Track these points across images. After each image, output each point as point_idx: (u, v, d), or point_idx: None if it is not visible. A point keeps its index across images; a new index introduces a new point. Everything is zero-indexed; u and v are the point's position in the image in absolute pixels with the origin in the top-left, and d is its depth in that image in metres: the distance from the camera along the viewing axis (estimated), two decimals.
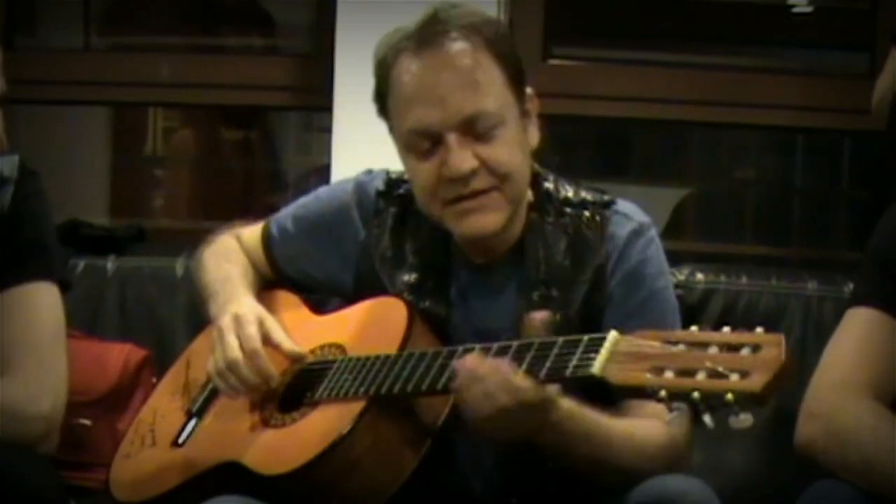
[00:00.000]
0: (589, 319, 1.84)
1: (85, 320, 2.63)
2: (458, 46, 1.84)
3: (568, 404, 1.69)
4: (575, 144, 4.34)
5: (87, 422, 2.35)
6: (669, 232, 3.72)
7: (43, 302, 1.92)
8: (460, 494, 1.88)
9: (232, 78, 3.19)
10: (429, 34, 1.85)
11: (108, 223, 3.66)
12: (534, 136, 1.92)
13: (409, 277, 1.95)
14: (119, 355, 2.45)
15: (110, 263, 2.73)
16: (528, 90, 1.91)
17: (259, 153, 4.42)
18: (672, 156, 4.34)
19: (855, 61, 3.17)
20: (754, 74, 3.28)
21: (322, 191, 2.11)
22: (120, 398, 2.36)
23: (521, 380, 1.64)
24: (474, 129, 1.83)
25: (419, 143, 1.85)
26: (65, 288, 1.97)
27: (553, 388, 1.66)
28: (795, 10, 3.64)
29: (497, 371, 1.65)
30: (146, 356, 2.43)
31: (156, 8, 3.83)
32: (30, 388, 1.85)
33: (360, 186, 2.04)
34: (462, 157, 1.82)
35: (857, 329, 1.86)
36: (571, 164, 4.22)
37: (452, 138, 1.82)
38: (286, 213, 2.12)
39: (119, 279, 2.70)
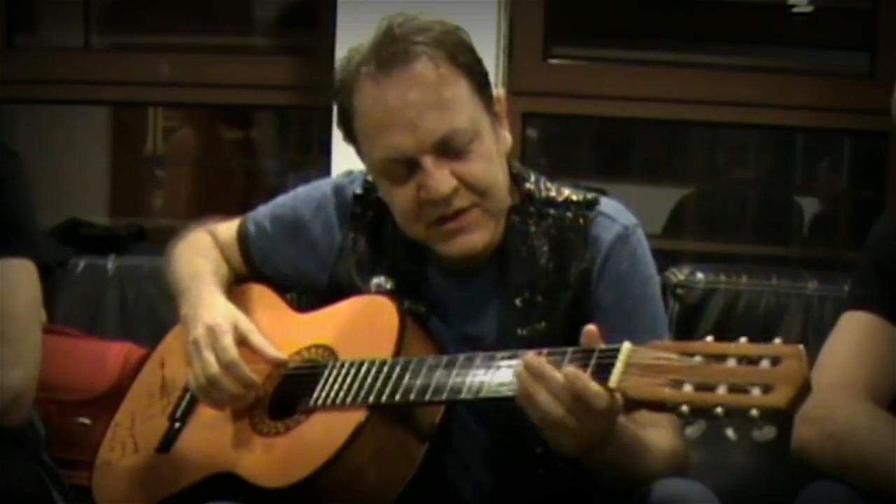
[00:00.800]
0: (574, 327, 1.75)
1: (85, 320, 2.63)
2: (421, 64, 1.77)
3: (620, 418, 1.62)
4: (575, 144, 4.34)
5: (86, 421, 2.35)
6: (669, 232, 3.72)
7: (17, 276, 1.91)
8: (450, 500, 1.86)
9: (232, 78, 3.19)
10: (388, 54, 1.78)
11: (108, 223, 3.66)
12: (506, 139, 1.88)
13: (384, 282, 1.91)
14: (118, 354, 2.46)
15: (110, 263, 2.73)
16: (496, 92, 1.87)
17: (259, 153, 4.42)
18: (672, 156, 4.34)
19: (855, 61, 3.17)
20: (754, 74, 3.28)
21: (301, 190, 2.07)
22: (119, 397, 2.35)
23: (591, 383, 1.56)
24: (450, 148, 1.78)
25: (394, 169, 1.80)
26: (45, 270, 1.96)
27: (619, 398, 1.57)
28: (796, 10, 3.64)
29: (566, 374, 1.57)
30: (146, 355, 2.43)
31: (156, 8, 3.83)
32: None
33: (338, 189, 2.01)
34: (440, 179, 1.77)
35: (852, 332, 1.86)
36: (571, 164, 4.22)
37: (428, 161, 1.77)
38: (264, 212, 2.08)
39: (119, 279, 2.71)
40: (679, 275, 2.56)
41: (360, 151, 1.87)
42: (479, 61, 1.85)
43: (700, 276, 2.57)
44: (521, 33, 3.01)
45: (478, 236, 1.82)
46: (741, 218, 4.08)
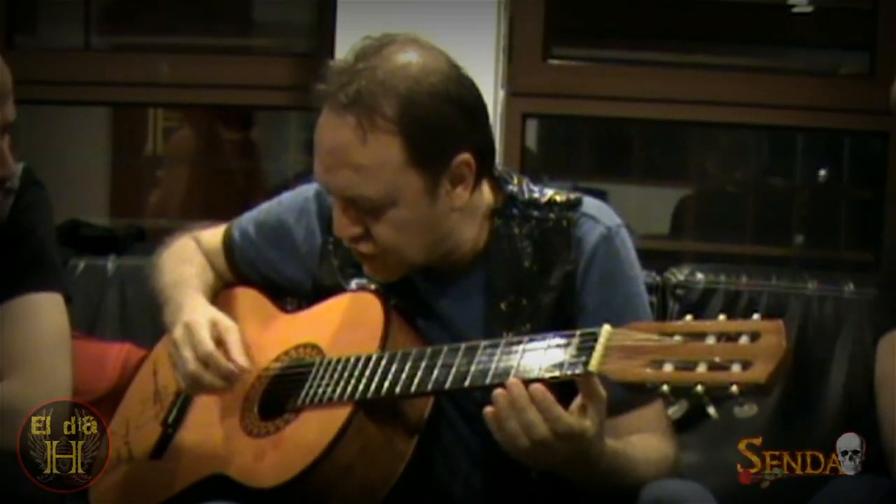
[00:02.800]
0: (559, 328, 1.75)
1: (85, 320, 2.63)
2: (354, 125, 1.72)
3: (596, 433, 1.63)
4: (575, 145, 4.34)
5: None
6: (670, 232, 3.72)
7: (44, 311, 1.88)
8: (441, 499, 1.86)
9: (232, 78, 3.19)
10: (337, 95, 1.74)
11: (108, 223, 3.66)
12: (460, 197, 1.80)
13: (367, 284, 1.92)
14: (118, 355, 2.45)
15: (110, 263, 2.73)
16: (462, 158, 1.77)
17: (259, 154, 4.41)
18: (672, 156, 4.34)
19: (855, 61, 3.17)
20: (754, 74, 3.28)
21: (285, 196, 2.07)
22: (119, 398, 2.36)
23: (561, 410, 1.59)
24: (358, 206, 1.77)
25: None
26: (66, 301, 1.94)
27: (587, 420, 1.60)
28: (796, 9, 3.64)
29: (541, 401, 1.58)
30: (144, 358, 2.42)
31: (156, 8, 3.83)
32: (26, 393, 1.81)
33: (319, 194, 2.00)
34: (342, 225, 1.78)
35: None
36: (571, 165, 4.22)
37: (338, 204, 1.79)
38: (249, 218, 2.09)
39: (119, 279, 2.70)
40: (679, 275, 2.56)
41: None
42: (438, 130, 1.75)
43: (700, 276, 2.57)
44: (521, 33, 3.01)
45: (380, 276, 1.85)
46: (741, 218, 4.08)
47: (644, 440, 1.78)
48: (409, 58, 1.77)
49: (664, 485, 1.71)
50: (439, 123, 1.75)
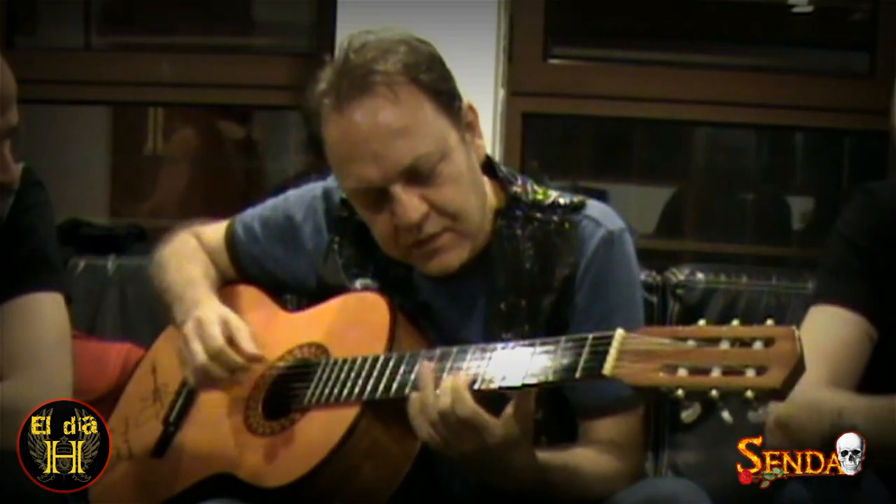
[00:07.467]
0: (556, 330, 1.77)
1: (85, 320, 2.63)
2: (380, 94, 1.76)
3: (511, 440, 1.65)
4: (575, 144, 4.34)
5: None
6: (666, 231, 3.72)
7: (45, 311, 1.87)
8: (441, 495, 1.86)
9: (232, 78, 3.19)
10: (346, 85, 1.77)
11: (108, 223, 3.66)
12: (480, 148, 1.86)
13: (370, 283, 1.92)
14: (118, 355, 2.45)
15: (110, 263, 2.73)
16: (465, 102, 1.84)
17: (259, 153, 4.42)
18: (672, 156, 4.34)
19: (855, 61, 3.17)
20: (754, 74, 3.28)
21: (291, 194, 2.07)
22: (119, 398, 2.36)
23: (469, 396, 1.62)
24: (418, 174, 1.77)
25: (366, 197, 1.81)
26: (66, 301, 1.94)
27: (502, 423, 1.63)
28: (796, 10, 3.64)
29: (451, 389, 1.62)
30: (142, 358, 2.42)
31: (156, 8, 3.83)
32: (27, 392, 1.79)
33: (327, 192, 2.01)
34: (410, 207, 1.77)
35: (814, 329, 1.83)
36: (571, 165, 4.22)
37: (397, 189, 1.77)
38: (252, 214, 2.09)
39: (119, 279, 2.71)
40: (679, 275, 2.56)
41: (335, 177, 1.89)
42: (443, 76, 1.82)
43: (700, 276, 2.57)
44: (521, 33, 3.02)
45: (452, 256, 1.82)
46: (741, 218, 4.08)
47: (601, 452, 1.79)
48: (393, 34, 1.83)
49: (658, 483, 1.72)
50: (440, 72, 1.82)
